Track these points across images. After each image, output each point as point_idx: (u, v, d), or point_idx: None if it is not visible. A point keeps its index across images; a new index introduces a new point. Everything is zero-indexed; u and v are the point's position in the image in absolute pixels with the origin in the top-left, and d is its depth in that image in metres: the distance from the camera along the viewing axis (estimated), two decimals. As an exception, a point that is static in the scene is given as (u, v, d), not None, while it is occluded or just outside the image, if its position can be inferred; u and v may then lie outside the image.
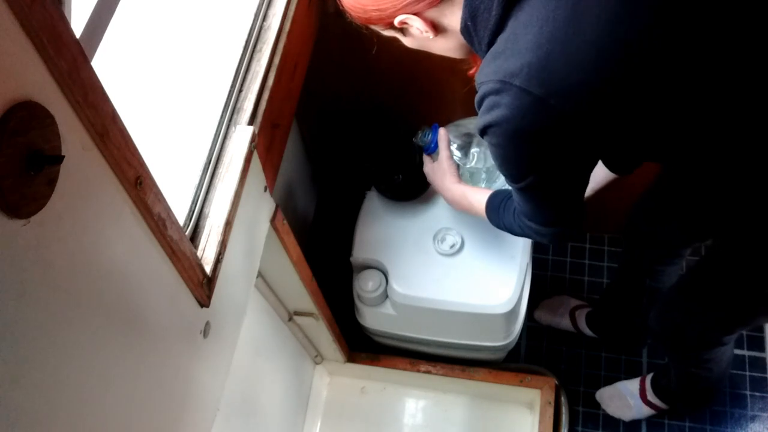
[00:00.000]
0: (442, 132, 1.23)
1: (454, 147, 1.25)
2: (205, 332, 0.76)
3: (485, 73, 0.76)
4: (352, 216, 1.44)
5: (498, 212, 1.03)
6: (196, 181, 0.81)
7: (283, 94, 1.02)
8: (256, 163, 0.89)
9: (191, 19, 0.97)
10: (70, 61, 0.44)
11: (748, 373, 1.70)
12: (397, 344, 1.58)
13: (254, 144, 0.86)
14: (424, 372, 1.61)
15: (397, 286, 1.34)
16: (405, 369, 1.62)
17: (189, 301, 0.71)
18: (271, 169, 0.98)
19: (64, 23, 0.43)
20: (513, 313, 1.35)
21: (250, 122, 0.89)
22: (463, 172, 1.28)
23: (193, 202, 0.79)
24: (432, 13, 0.83)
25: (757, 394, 1.68)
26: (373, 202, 1.45)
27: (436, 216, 1.41)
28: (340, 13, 0.90)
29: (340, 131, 1.75)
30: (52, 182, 0.43)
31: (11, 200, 0.39)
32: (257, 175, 0.91)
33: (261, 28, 0.99)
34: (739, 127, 0.81)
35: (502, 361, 1.66)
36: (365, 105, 1.63)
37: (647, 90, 0.74)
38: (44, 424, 0.46)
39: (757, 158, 0.85)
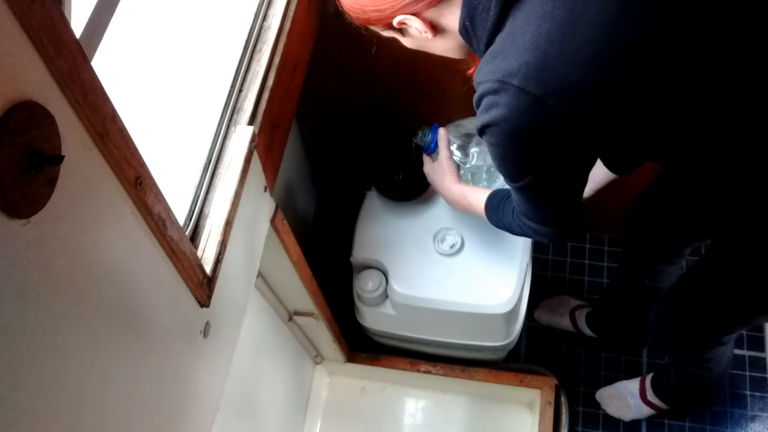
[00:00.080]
0: (441, 132, 1.23)
1: (454, 147, 1.25)
2: (205, 332, 0.76)
3: (483, 73, 0.76)
4: (352, 216, 1.44)
5: (497, 212, 1.03)
6: (196, 181, 0.81)
7: (283, 94, 1.02)
8: (256, 163, 0.89)
9: (191, 19, 0.97)
10: (70, 61, 0.44)
11: (748, 373, 1.70)
12: (397, 344, 1.58)
13: (254, 144, 0.86)
14: (424, 372, 1.61)
15: (397, 286, 1.34)
16: (405, 369, 1.62)
17: (189, 301, 0.71)
18: (271, 169, 0.98)
19: (64, 23, 0.43)
20: (513, 313, 1.35)
21: (250, 122, 0.89)
22: (464, 172, 1.28)
23: (193, 202, 0.79)
24: (431, 14, 0.84)
25: (757, 394, 1.68)
26: (373, 202, 1.45)
27: (436, 216, 1.41)
28: (339, 14, 0.90)
29: (340, 131, 1.75)
30: (52, 182, 0.43)
31: (11, 200, 0.39)
32: (257, 175, 0.91)
33: (261, 28, 0.99)
34: (738, 127, 0.81)
35: (502, 361, 1.66)
36: (365, 105, 1.63)
37: (647, 90, 0.74)
38: (44, 424, 0.46)
39: (757, 158, 0.85)
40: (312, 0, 1.15)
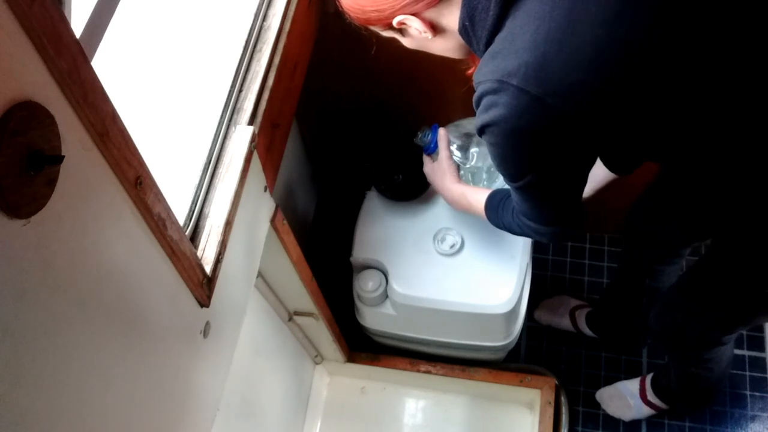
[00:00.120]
0: (441, 132, 1.23)
1: (453, 147, 1.25)
2: (205, 332, 0.76)
3: (483, 73, 0.76)
4: (352, 216, 1.44)
5: (497, 211, 1.03)
6: (196, 181, 0.81)
7: (283, 94, 1.02)
8: (256, 163, 0.89)
9: (191, 19, 0.97)
10: (70, 61, 0.44)
11: (748, 373, 1.70)
12: (397, 344, 1.58)
13: (254, 144, 0.86)
14: (424, 372, 1.61)
15: (397, 286, 1.34)
16: (405, 369, 1.62)
17: (189, 301, 0.71)
18: (271, 169, 0.98)
19: (64, 23, 0.43)
20: (513, 313, 1.35)
21: (250, 122, 0.89)
22: (464, 172, 1.28)
23: (193, 202, 0.80)
24: (430, 14, 0.84)
25: (757, 394, 1.68)
26: (373, 202, 1.45)
27: (436, 216, 1.41)
28: (339, 14, 0.90)
29: (340, 131, 1.75)
30: (52, 182, 0.43)
31: (11, 200, 0.39)
32: (257, 175, 0.91)
33: (261, 28, 0.99)
34: (738, 126, 0.81)
35: (502, 361, 1.66)
36: (365, 105, 1.63)
37: (647, 90, 0.74)
38: (44, 424, 0.46)
39: (757, 158, 0.85)
40: (312, 0, 1.15)
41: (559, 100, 0.71)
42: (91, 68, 0.47)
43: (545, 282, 1.87)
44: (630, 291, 1.59)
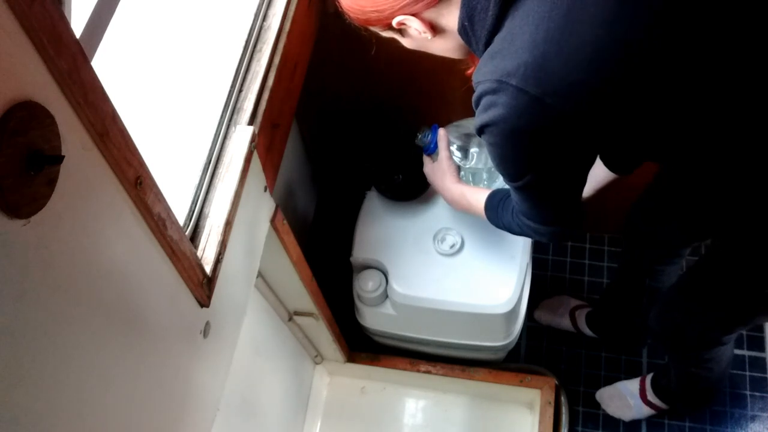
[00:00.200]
0: (441, 132, 1.23)
1: (453, 147, 1.25)
2: (205, 332, 0.76)
3: (482, 73, 0.76)
4: (352, 216, 1.44)
5: (497, 211, 1.03)
6: (196, 181, 0.81)
7: (283, 94, 1.02)
8: (256, 163, 0.89)
9: (191, 19, 0.97)
10: (70, 61, 0.44)
11: (748, 373, 1.70)
12: (397, 344, 1.58)
13: (254, 144, 0.86)
14: (424, 372, 1.61)
15: (397, 286, 1.34)
16: (405, 369, 1.62)
17: (189, 301, 0.71)
18: (271, 169, 0.99)
19: (64, 23, 0.43)
20: (513, 313, 1.35)
21: (250, 122, 0.89)
22: (465, 172, 1.28)
23: (193, 202, 0.80)
24: (430, 14, 0.84)
25: (757, 394, 1.68)
26: (373, 202, 1.45)
27: (436, 216, 1.41)
28: (339, 14, 0.90)
29: (340, 131, 1.75)
30: (52, 182, 0.43)
31: (11, 200, 0.39)
32: (257, 175, 0.91)
33: (261, 28, 0.99)
34: (738, 126, 0.81)
35: (502, 361, 1.66)
36: (365, 105, 1.63)
37: (647, 90, 0.74)
38: (44, 424, 0.46)
39: (757, 158, 0.85)
40: (312, 0, 1.15)
41: (558, 100, 0.72)
42: (91, 68, 0.47)
43: (545, 282, 1.87)
44: (630, 291, 1.59)
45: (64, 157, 0.43)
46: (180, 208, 0.78)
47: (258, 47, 0.97)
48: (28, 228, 0.42)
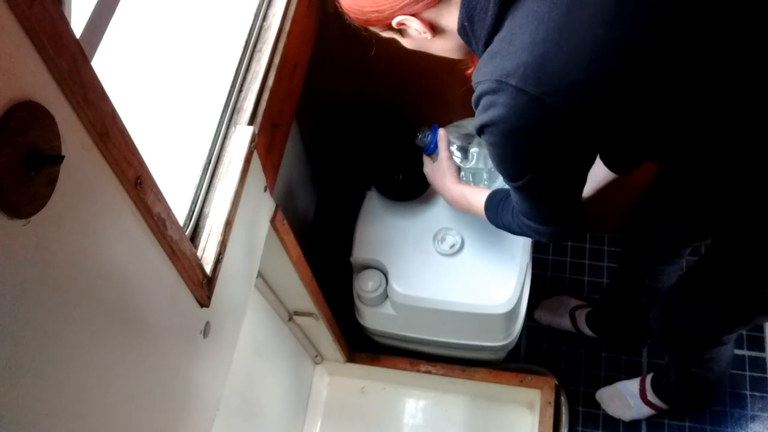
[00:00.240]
0: (441, 132, 1.23)
1: (454, 148, 1.25)
2: (205, 332, 0.76)
3: (482, 73, 0.76)
4: (352, 216, 1.44)
5: (497, 211, 1.03)
6: (196, 181, 0.81)
7: (283, 94, 1.02)
8: (256, 163, 0.89)
9: (191, 19, 0.97)
10: (70, 61, 0.44)
11: (748, 373, 1.70)
12: (397, 344, 1.58)
13: (254, 144, 0.86)
14: (424, 372, 1.61)
15: (397, 286, 1.34)
16: (405, 369, 1.62)
17: (189, 301, 0.71)
18: (271, 169, 0.99)
19: (64, 23, 0.43)
20: (513, 313, 1.35)
21: (250, 122, 0.89)
22: (466, 173, 1.28)
23: (193, 202, 0.80)
24: (430, 14, 0.84)
25: (757, 394, 1.68)
26: (373, 202, 1.45)
27: (436, 216, 1.41)
28: (339, 14, 0.90)
29: (340, 131, 1.75)
30: (52, 182, 0.43)
31: (11, 200, 0.39)
32: (257, 175, 0.91)
33: (261, 28, 0.99)
34: (738, 126, 0.81)
35: (502, 361, 1.66)
36: (365, 105, 1.63)
37: (647, 90, 0.74)
38: (44, 424, 0.46)
39: (757, 158, 0.85)
40: (312, 0, 1.15)
41: (557, 100, 0.72)
42: (91, 68, 0.47)
43: (545, 282, 1.87)
44: (630, 291, 1.59)
45: (64, 157, 0.43)
46: (180, 208, 0.78)
47: (258, 47, 0.97)
48: (28, 228, 0.42)
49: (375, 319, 1.45)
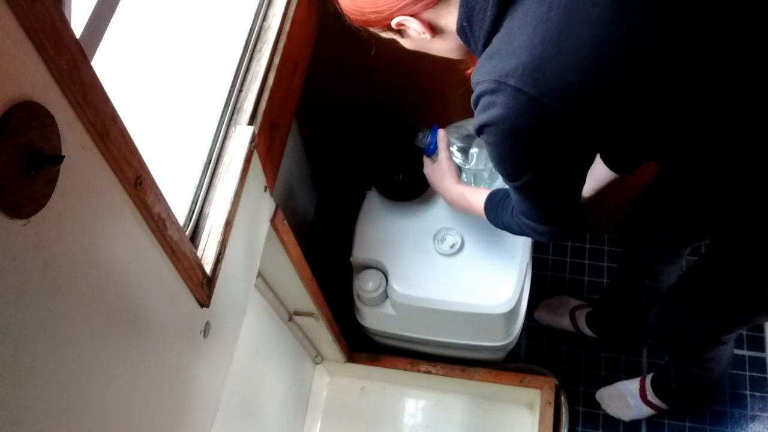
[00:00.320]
0: (441, 133, 1.23)
1: (454, 148, 1.25)
2: (205, 332, 0.76)
3: (481, 73, 0.76)
4: (352, 216, 1.44)
5: (496, 211, 1.03)
6: (196, 181, 0.81)
7: (283, 94, 1.02)
8: (256, 163, 0.89)
9: (191, 19, 0.97)
10: (70, 61, 0.44)
11: (748, 373, 1.70)
12: (397, 344, 1.58)
13: (254, 144, 0.86)
14: (424, 372, 1.61)
15: (397, 286, 1.34)
16: (405, 369, 1.62)
17: (189, 301, 0.71)
18: (271, 169, 0.99)
19: (64, 23, 0.43)
20: (513, 313, 1.35)
21: (250, 122, 0.89)
22: (467, 173, 1.28)
23: (193, 202, 0.80)
24: (429, 15, 0.84)
25: (757, 394, 1.68)
26: (373, 202, 1.45)
27: (436, 216, 1.41)
28: (339, 14, 0.90)
29: (340, 131, 1.75)
30: (52, 182, 0.43)
31: (11, 200, 0.39)
32: (257, 175, 0.91)
33: (261, 28, 0.99)
34: (738, 126, 0.81)
35: (502, 361, 1.66)
36: (365, 105, 1.63)
37: (647, 90, 0.74)
38: (44, 424, 0.46)
39: (756, 158, 0.85)
40: (312, 0, 1.15)
41: (556, 100, 0.72)
42: (91, 68, 0.47)
43: (545, 282, 1.87)
44: (630, 291, 1.59)
45: (64, 157, 0.43)
46: (180, 208, 0.78)
47: (258, 47, 0.97)
48: (28, 228, 0.42)
49: (375, 319, 1.45)
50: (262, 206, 0.96)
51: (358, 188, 1.49)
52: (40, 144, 0.41)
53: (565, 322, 1.77)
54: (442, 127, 1.27)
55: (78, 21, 0.59)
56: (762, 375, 1.70)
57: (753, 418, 1.65)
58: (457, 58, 0.93)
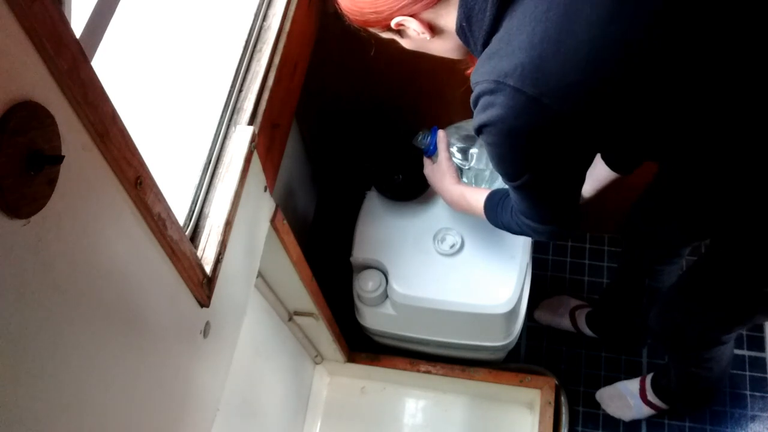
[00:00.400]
0: (440, 134, 1.24)
1: (454, 149, 1.25)
2: (205, 332, 0.76)
3: (480, 73, 0.76)
4: (352, 216, 1.44)
5: (496, 211, 1.03)
6: (196, 181, 0.81)
7: (283, 94, 1.02)
8: (256, 163, 0.89)
9: (191, 19, 0.97)
10: (70, 61, 0.44)
11: (748, 373, 1.70)
12: (397, 344, 1.58)
13: (254, 144, 0.86)
14: (424, 372, 1.61)
15: (397, 286, 1.34)
16: (405, 369, 1.62)
17: (189, 301, 0.71)
18: (271, 169, 0.99)
19: (64, 23, 0.43)
20: (513, 313, 1.35)
21: (250, 122, 0.89)
22: (468, 173, 1.28)
23: (193, 202, 0.80)
24: (428, 15, 0.84)
25: (757, 394, 1.68)
26: (373, 202, 1.45)
27: (436, 216, 1.41)
28: (339, 14, 0.90)
29: (340, 131, 1.75)
30: (52, 182, 0.43)
31: (11, 200, 0.39)
32: (257, 175, 0.91)
33: (261, 28, 0.99)
34: (738, 126, 0.81)
35: (502, 361, 1.66)
36: (365, 105, 1.63)
37: (646, 90, 0.74)
38: (44, 424, 0.46)
39: (756, 157, 0.85)
40: (312, 0, 1.15)
41: (555, 100, 0.72)
42: (91, 68, 0.47)
43: (545, 282, 1.87)
44: (630, 291, 1.59)
45: (64, 157, 0.43)
46: (180, 208, 0.78)
47: (258, 47, 0.97)
48: (28, 228, 0.42)
49: (375, 319, 1.45)
50: (262, 206, 0.96)
51: (358, 188, 1.49)
52: (40, 144, 0.41)
53: (565, 322, 1.77)
54: (442, 127, 1.27)
55: (78, 21, 0.59)
56: (762, 375, 1.70)
57: (753, 418, 1.65)
58: (456, 58, 0.93)
